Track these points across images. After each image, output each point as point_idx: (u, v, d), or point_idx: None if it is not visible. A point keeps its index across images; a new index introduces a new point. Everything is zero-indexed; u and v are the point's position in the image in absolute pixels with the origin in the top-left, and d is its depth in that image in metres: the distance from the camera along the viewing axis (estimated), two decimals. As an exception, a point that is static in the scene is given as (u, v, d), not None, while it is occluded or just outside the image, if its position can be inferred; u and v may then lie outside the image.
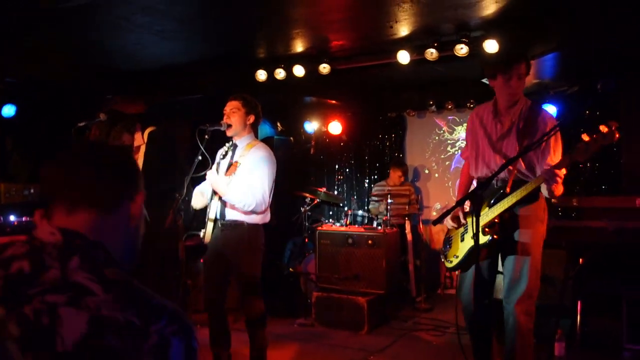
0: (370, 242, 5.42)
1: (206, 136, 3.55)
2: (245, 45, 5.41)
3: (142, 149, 4.18)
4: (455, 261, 3.28)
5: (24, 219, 5.41)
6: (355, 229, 5.71)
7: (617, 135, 2.52)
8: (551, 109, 5.54)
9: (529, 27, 4.44)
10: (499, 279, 3.45)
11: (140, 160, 4.16)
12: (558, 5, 4.10)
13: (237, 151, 3.70)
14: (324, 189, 6.89)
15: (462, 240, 3.27)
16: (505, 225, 3.03)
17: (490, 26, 4.55)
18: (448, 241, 3.48)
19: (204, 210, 3.70)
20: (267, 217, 3.70)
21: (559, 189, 2.82)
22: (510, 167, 2.96)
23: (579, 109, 5.65)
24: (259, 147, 3.67)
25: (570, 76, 5.28)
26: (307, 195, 6.61)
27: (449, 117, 7.45)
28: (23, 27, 4.62)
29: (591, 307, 4.34)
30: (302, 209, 6.49)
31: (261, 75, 5.91)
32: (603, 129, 2.51)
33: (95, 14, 4.22)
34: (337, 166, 8.20)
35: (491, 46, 4.59)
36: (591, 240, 4.27)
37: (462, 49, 4.73)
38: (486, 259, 3.19)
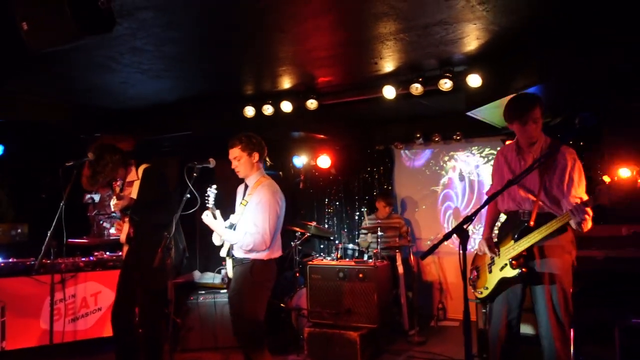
0: (361, 275, 5.40)
1: (194, 174, 3.59)
2: (232, 83, 5.48)
3: (136, 184, 4.18)
4: (485, 292, 3.41)
5: (10, 260, 5.32)
6: (346, 263, 5.68)
7: None
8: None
9: (510, 61, 4.55)
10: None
11: (134, 194, 4.15)
12: (538, 40, 4.22)
13: (248, 190, 3.80)
14: (314, 223, 6.89)
15: (490, 271, 3.38)
16: (531, 257, 3.18)
17: (473, 61, 4.67)
18: (477, 270, 3.56)
19: (211, 250, 3.80)
20: (275, 253, 3.75)
21: (588, 225, 2.97)
22: (534, 199, 3.17)
23: (562, 140, 5.72)
24: (264, 186, 3.73)
25: (553, 108, 5.37)
26: (298, 229, 6.60)
27: (436, 149, 7.53)
28: (8, 68, 4.65)
29: (584, 335, 4.33)
30: (293, 244, 6.47)
31: (249, 111, 5.98)
32: (624, 172, 2.62)
33: (83, 55, 4.28)
34: (326, 200, 8.21)
35: (474, 81, 4.70)
36: (581, 269, 4.29)
37: (446, 84, 4.84)
38: (514, 290, 3.29)
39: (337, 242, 7.14)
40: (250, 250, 3.60)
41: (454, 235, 2.48)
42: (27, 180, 6.73)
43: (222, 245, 3.86)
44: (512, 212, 3.37)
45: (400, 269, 6.35)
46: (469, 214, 3.21)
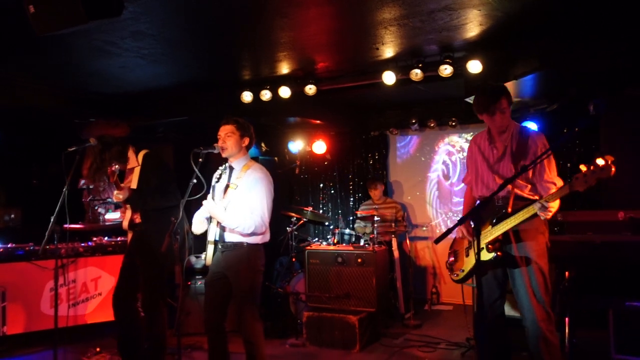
0: (359, 260, 5.45)
1: (200, 159, 3.56)
2: (231, 68, 5.44)
3: (136, 170, 4.16)
4: (461, 275, 3.53)
5: (9, 245, 5.28)
6: (345, 248, 5.73)
7: (614, 170, 2.70)
8: (531, 126, 5.68)
9: (511, 48, 4.58)
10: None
11: (134, 181, 4.13)
12: (540, 27, 4.25)
13: (234, 173, 3.73)
14: (310, 208, 6.91)
15: (467, 255, 3.50)
16: (507, 241, 3.27)
17: (474, 47, 4.69)
18: (455, 254, 3.66)
19: (203, 233, 3.72)
20: (266, 237, 3.73)
21: (549, 216, 3.10)
22: (510, 187, 3.23)
23: (558, 126, 5.81)
24: (255, 169, 3.71)
25: (550, 95, 5.43)
26: (294, 214, 6.61)
27: (431, 135, 7.57)
28: (3, 52, 4.57)
29: (579, 319, 4.42)
30: (289, 229, 6.48)
31: (247, 96, 5.94)
32: (600, 161, 2.68)
33: (82, 39, 4.22)
34: (321, 185, 8.24)
35: (475, 67, 4.72)
36: (577, 254, 4.37)
37: (446, 70, 4.85)
38: (495, 273, 3.38)
39: (333, 227, 7.18)
40: (251, 234, 3.58)
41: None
42: (18, 165, 6.65)
43: (205, 232, 3.77)
44: (486, 198, 3.42)
45: (396, 254, 6.42)
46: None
